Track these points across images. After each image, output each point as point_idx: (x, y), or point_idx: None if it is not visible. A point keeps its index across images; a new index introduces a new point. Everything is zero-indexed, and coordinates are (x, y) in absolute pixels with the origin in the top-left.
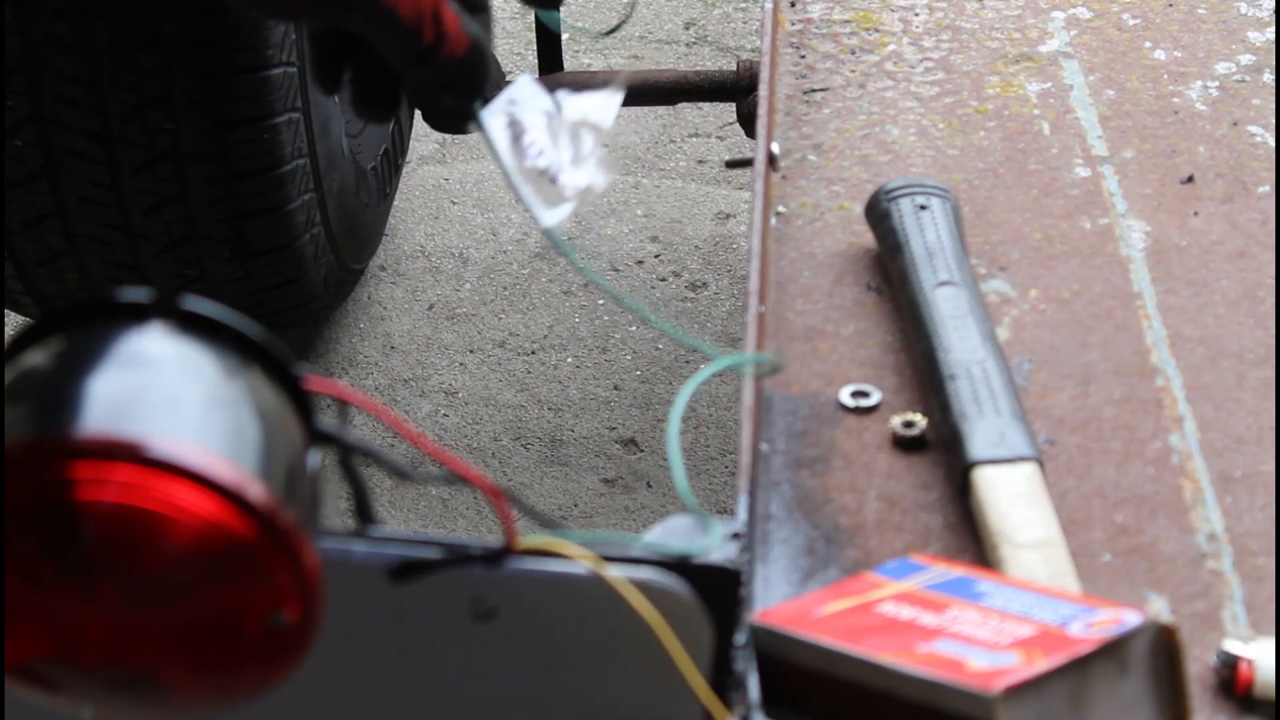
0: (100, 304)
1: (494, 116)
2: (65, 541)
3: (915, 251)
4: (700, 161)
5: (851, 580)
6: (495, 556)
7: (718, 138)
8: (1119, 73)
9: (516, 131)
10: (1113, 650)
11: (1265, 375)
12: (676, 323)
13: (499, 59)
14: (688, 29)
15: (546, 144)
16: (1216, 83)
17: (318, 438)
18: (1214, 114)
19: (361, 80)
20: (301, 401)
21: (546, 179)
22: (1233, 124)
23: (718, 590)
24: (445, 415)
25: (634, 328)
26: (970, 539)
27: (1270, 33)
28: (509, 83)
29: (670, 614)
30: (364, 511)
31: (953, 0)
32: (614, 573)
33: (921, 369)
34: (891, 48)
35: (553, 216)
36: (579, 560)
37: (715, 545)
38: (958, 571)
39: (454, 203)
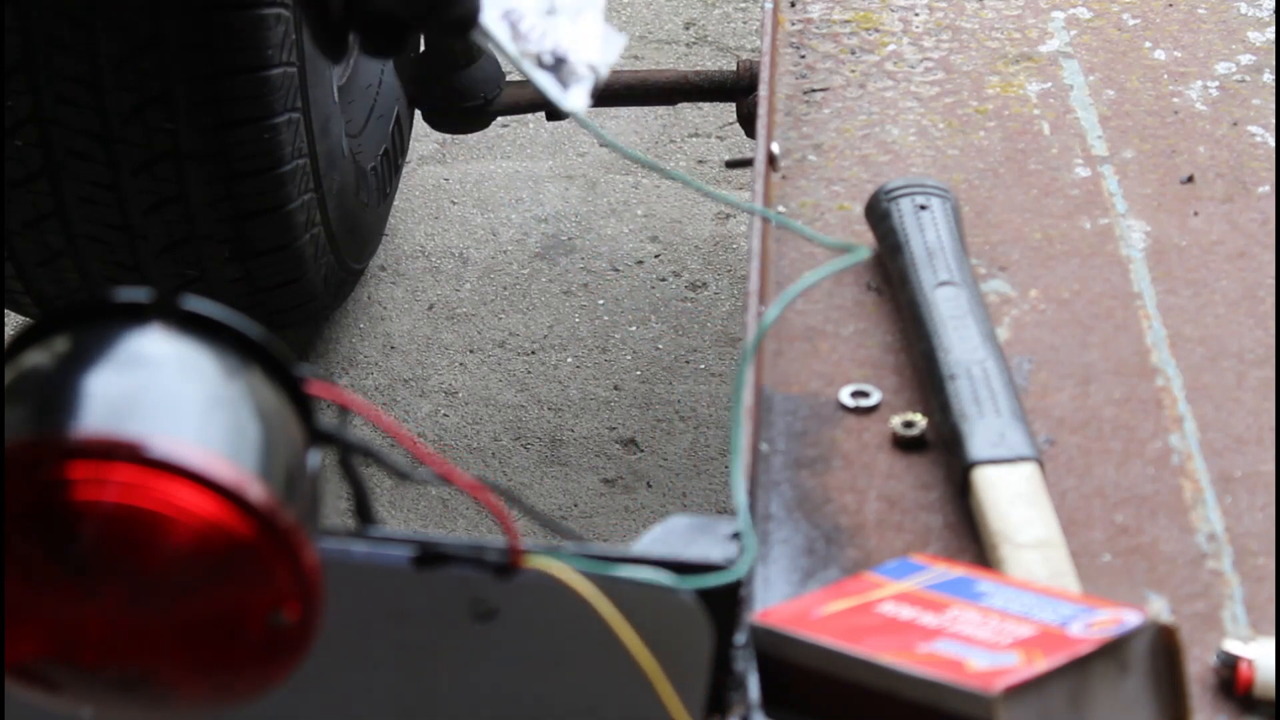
0: (100, 304)
1: (487, 11)
2: (65, 541)
3: (915, 251)
4: (700, 161)
5: (851, 580)
6: (503, 570)
7: (718, 138)
8: (1119, 73)
9: (513, 19)
10: (1113, 650)
11: (1265, 375)
12: (677, 323)
13: (499, 59)
14: (688, 29)
15: (546, 26)
16: (1216, 83)
17: (318, 438)
18: (1214, 114)
19: (368, 32)
20: (301, 401)
21: (556, 61)
22: (1233, 124)
23: (718, 590)
24: (445, 415)
25: (634, 328)
26: (970, 539)
27: (1270, 33)
28: (509, 83)
29: (670, 615)
30: (364, 511)
31: (953, 0)
32: (617, 573)
33: (921, 369)
34: (891, 48)
35: (573, 99)
36: (576, 573)
37: (745, 562)
38: (958, 571)
39: (454, 203)
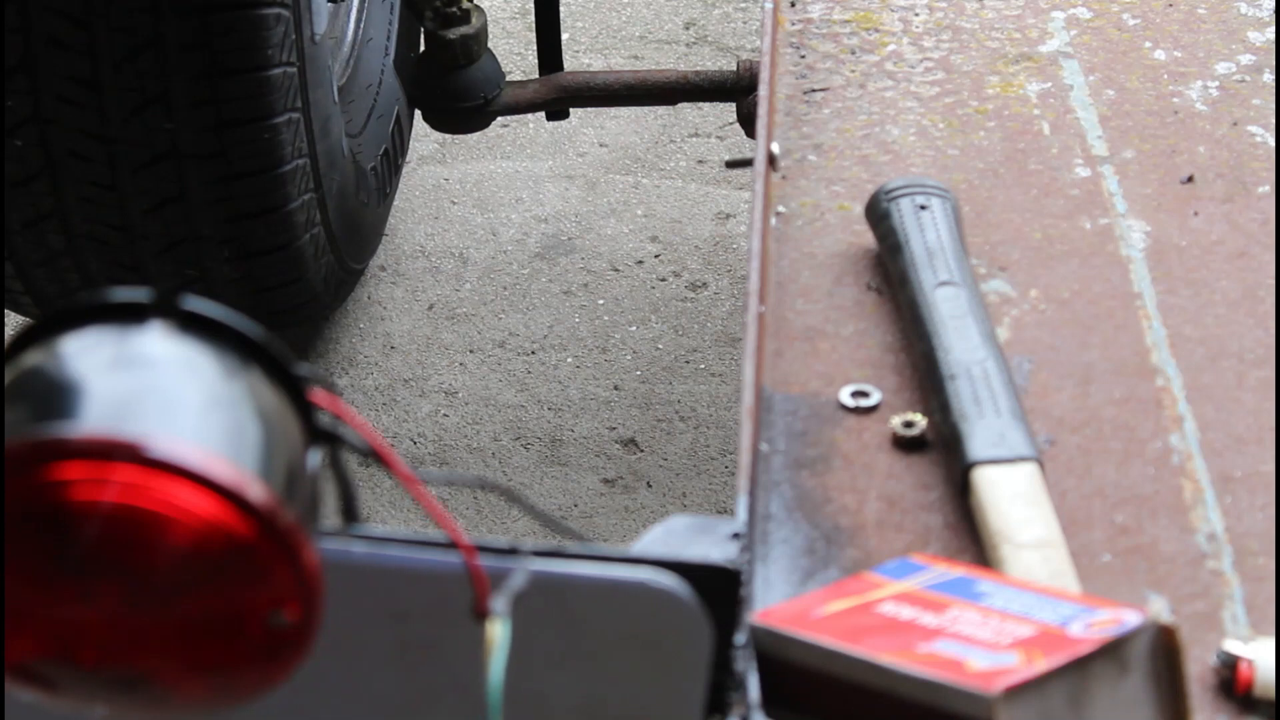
0: (100, 304)
1: None
2: (65, 542)
3: (915, 251)
4: (700, 161)
5: (851, 580)
6: None
7: (718, 138)
8: (1119, 73)
9: None
10: (1113, 650)
11: (1265, 375)
12: (677, 323)
13: (499, 58)
14: (688, 29)
15: None
16: (1216, 83)
17: (318, 437)
18: (1214, 114)
19: None
20: (301, 401)
21: None
22: (1233, 124)
23: (718, 590)
24: (445, 415)
25: (634, 328)
26: (970, 539)
27: (1270, 33)
28: (509, 83)
29: (670, 615)
30: (350, 511)
31: (953, 0)
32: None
33: (921, 369)
34: (891, 48)
35: None
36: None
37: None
38: (958, 571)
39: (454, 203)
